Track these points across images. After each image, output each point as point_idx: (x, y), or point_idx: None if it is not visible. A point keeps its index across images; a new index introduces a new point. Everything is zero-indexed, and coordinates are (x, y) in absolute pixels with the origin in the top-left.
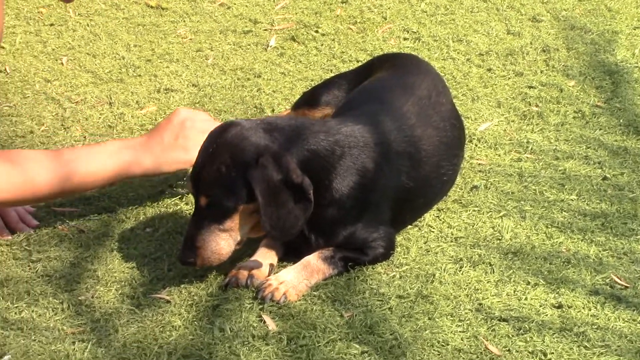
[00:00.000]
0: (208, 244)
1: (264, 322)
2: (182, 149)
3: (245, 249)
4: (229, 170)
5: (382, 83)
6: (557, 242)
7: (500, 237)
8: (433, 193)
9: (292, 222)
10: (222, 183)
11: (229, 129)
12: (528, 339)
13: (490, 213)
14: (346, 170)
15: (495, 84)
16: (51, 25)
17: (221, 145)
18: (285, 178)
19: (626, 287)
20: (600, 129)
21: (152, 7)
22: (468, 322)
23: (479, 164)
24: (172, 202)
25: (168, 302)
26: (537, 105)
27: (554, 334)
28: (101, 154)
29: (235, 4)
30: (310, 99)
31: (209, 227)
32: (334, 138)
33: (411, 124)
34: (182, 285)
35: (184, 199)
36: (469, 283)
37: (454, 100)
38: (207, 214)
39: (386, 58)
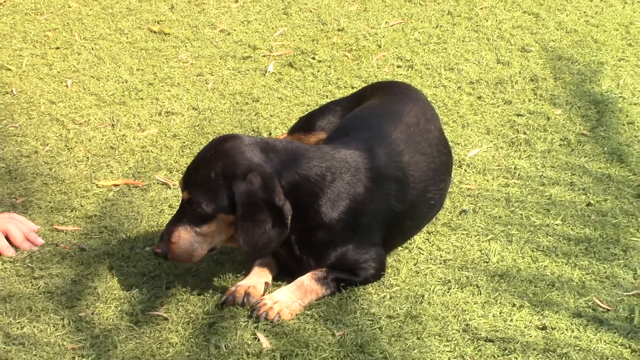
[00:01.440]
0: (182, 243)
1: (258, 340)
2: None
3: (241, 268)
4: (217, 178)
5: (373, 110)
6: (542, 265)
7: (487, 260)
8: (421, 216)
9: (265, 242)
10: (208, 188)
11: (229, 139)
12: (513, 359)
13: (478, 236)
14: (337, 195)
15: (485, 112)
16: (57, 48)
17: (217, 152)
18: (268, 198)
19: (608, 310)
20: (585, 157)
21: (155, 32)
22: (455, 342)
23: (468, 188)
24: None
25: (165, 319)
26: (524, 133)
27: (538, 354)
28: None
29: (235, 30)
30: (306, 124)
31: (186, 226)
32: (326, 164)
33: (399, 150)
34: (180, 303)
35: None
36: (457, 304)
37: (445, 127)
38: (188, 213)
39: (378, 86)
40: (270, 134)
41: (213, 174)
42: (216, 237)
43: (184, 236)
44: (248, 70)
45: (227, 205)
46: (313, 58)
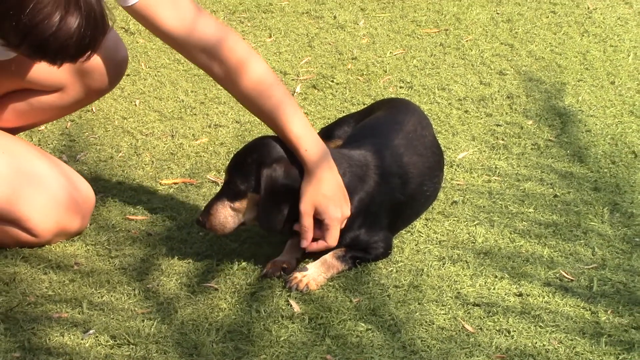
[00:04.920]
0: (218, 214)
1: (291, 305)
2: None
3: (275, 248)
4: (252, 163)
5: (379, 121)
6: (518, 245)
7: (474, 241)
8: (418, 206)
9: (279, 219)
10: (243, 171)
11: (268, 137)
12: (496, 320)
13: (466, 222)
14: (352, 188)
15: (471, 123)
16: (127, 75)
17: (256, 145)
18: (288, 184)
19: (572, 280)
20: (552, 158)
21: None
22: (449, 306)
23: (458, 184)
24: None
25: (216, 289)
26: (503, 139)
27: (516, 316)
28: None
29: (269, 59)
30: (326, 134)
31: (224, 202)
32: (347, 163)
33: (401, 152)
34: (227, 277)
35: None
36: (450, 276)
37: (438, 135)
38: (227, 191)
39: (383, 102)
40: None
41: (249, 160)
42: (246, 213)
43: (221, 209)
44: None
45: (255, 185)
46: (332, 81)
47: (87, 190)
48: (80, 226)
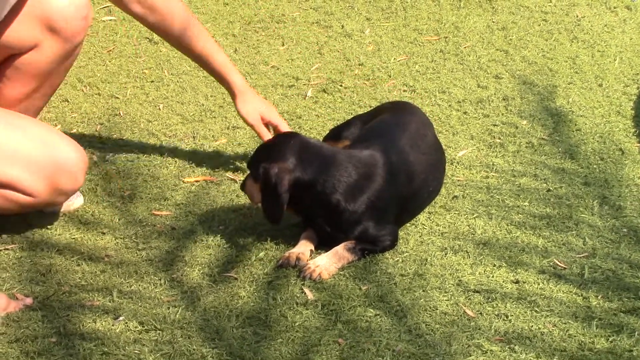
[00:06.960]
0: (248, 187)
1: (305, 293)
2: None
3: (290, 240)
4: (261, 157)
5: (385, 123)
6: (515, 235)
7: (474, 232)
8: (422, 200)
9: (272, 213)
10: (257, 162)
11: (283, 135)
12: (495, 305)
13: (466, 215)
14: (361, 184)
15: (469, 123)
16: (152, 81)
17: (275, 142)
18: (274, 185)
19: (565, 268)
20: (545, 155)
21: None
22: (451, 293)
23: (458, 180)
24: (239, 206)
25: (235, 279)
26: (499, 138)
27: (513, 301)
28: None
29: (282, 66)
30: (335, 134)
31: (251, 180)
32: (352, 163)
33: (406, 150)
34: (246, 267)
35: (246, 205)
36: (452, 265)
37: (439, 135)
38: (252, 173)
39: (388, 104)
40: None
41: (261, 153)
42: None
43: (249, 185)
44: (292, 95)
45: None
46: (340, 85)
47: (68, 152)
48: (74, 185)
